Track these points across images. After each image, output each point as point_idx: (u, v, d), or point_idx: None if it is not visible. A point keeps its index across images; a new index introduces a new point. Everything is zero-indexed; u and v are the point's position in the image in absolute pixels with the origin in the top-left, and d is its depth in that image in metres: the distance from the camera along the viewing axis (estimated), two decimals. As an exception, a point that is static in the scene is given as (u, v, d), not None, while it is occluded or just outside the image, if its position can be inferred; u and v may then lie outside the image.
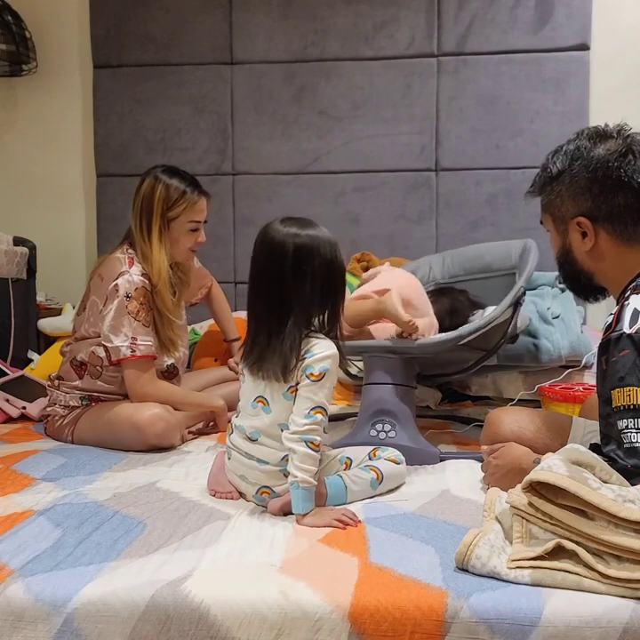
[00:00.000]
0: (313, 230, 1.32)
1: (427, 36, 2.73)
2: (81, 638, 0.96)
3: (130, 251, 1.88)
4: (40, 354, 2.62)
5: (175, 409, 1.84)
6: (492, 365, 2.33)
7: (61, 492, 1.41)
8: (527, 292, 2.52)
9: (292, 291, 1.28)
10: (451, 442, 1.87)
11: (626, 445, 1.11)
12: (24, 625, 0.97)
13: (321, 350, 1.28)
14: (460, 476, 1.52)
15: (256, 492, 1.35)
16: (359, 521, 1.24)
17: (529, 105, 2.70)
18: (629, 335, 1.14)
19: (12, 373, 2.33)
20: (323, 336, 1.32)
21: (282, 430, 1.30)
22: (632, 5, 2.71)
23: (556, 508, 1.02)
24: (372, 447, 1.49)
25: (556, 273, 2.56)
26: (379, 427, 1.67)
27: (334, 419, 2.12)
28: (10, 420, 2.15)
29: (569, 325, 2.39)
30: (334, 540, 1.16)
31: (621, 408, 1.12)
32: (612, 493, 1.00)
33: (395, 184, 2.76)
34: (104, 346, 1.82)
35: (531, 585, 0.98)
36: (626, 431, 1.11)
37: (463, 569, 1.02)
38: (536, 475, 1.03)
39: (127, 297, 1.80)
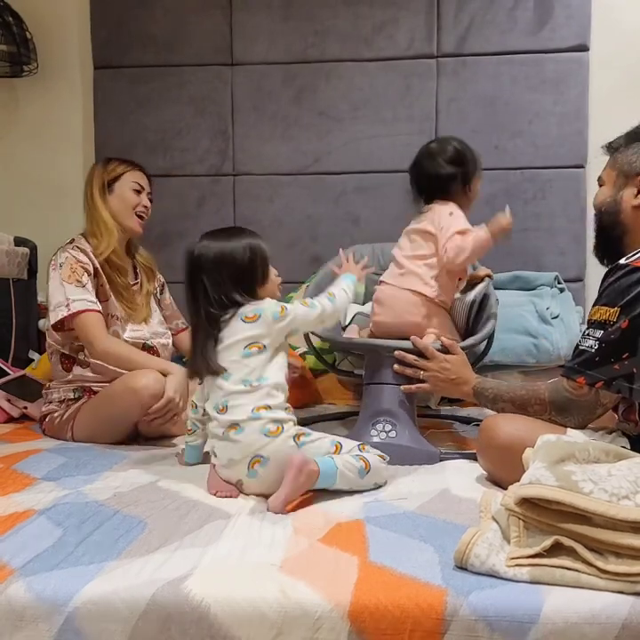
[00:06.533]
0: (218, 242, 1.51)
1: (426, 37, 2.73)
2: (82, 637, 0.96)
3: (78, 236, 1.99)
4: (41, 354, 2.62)
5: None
6: (492, 365, 2.34)
7: (62, 491, 1.41)
8: (526, 291, 2.54)
9: (200, 294, 1.49)
10: (451, 442, 1.87)
11: (577, 347, 1.35)
12: (25, 624, 0.97)
13: (267, 301, 1.50)
14: (459, 476, 1.52)
15: (248, 469, 1.37)
16: None
17: (528, 106, 2.70)
18: (626, 265, 1.30)
19: (14, 373, 2.34)
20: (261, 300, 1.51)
21: (244, 385, 1.42)
22: (632, 6, 2.71)
23: (551, 513, 1.01)
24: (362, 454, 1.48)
25: (556, 273, 2.57)
26: (379, 427, 1.68)
27: (335, 418, 2.13)
28: (11, 419, 2.15)
29: (568, 325, 2.40)
30: (334, 539, 1.16)
31: (592, 321, 1.33)
32: (606, 494, 0.99)
33: (395, 184, 2.76)
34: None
35: (530, 582, 0.98)
36: (582, 337, 1.34)
37: (462, 567, 1.03)
38: (527, 491, 1.02)
39: (60, 266, 1.89)
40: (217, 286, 1.48)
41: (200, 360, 1.48)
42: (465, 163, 1.88)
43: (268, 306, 1.48)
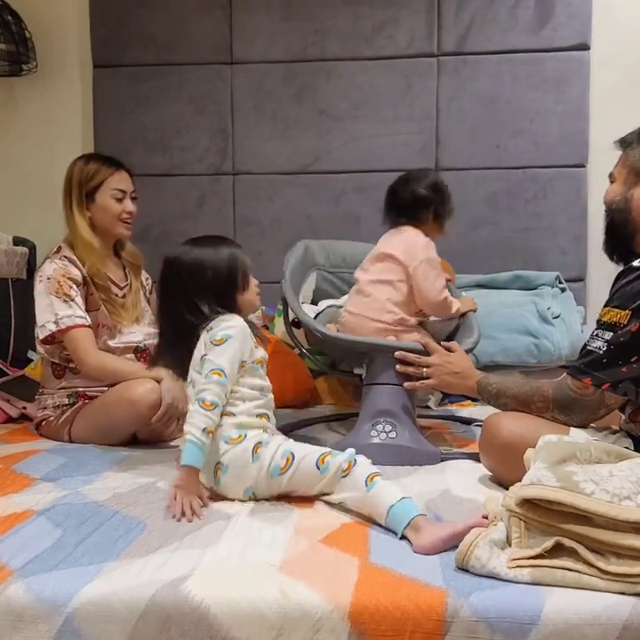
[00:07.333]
0: (198, 249, 1.49)
1: (427, 35, 2.73)
2: (81, 638, 0.96)
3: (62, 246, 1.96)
4: (40, 354, 2.62)
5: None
6: (493, 365, 2.34)
7: (61, 492, 1.41)
8: (527, 291, 2.54)
9: (177, 301, 1.47)
10: (451, 442, 1.87)
11: (585, 347, 1.35)
12: (24, 625, 0.97)
13: (226, 321, 1.43)
14: (460, 476, 1.51)
15: (214, 476, 1.36)
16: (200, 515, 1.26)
17: (529, 105, 2.70)
18: (639, 268, 1.28)
19: (13, 373, 2.34)
20: (229, 315, 1.45)
21: None
22: (632, 5, 2.71)
23: (552, 514, 1.01)
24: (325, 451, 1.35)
25: (557, 273, 2.57)
26: (379, 427, 1.67)
27: (335, 419, 2.12)
28: (10, 420, 2.15)
29: (569, 325, 2.39)
30: (334, 539, 1.16)
31: (601, 322, 1.32)
32: (608, 494, 0.99)
33: (395, 184, 2.76)
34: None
35: (531, 583, 0.98)
36: (591, 338, 1.34)
37: (463, 569, 1.02)
38: (528, 491, 1.02)
39: (48, 279, 1.87)
40: (194, 295, 1.45)
41: (169, 363, 1.57)
42: (442, 193, 1.89)
43: (221, 327, 1.42)
